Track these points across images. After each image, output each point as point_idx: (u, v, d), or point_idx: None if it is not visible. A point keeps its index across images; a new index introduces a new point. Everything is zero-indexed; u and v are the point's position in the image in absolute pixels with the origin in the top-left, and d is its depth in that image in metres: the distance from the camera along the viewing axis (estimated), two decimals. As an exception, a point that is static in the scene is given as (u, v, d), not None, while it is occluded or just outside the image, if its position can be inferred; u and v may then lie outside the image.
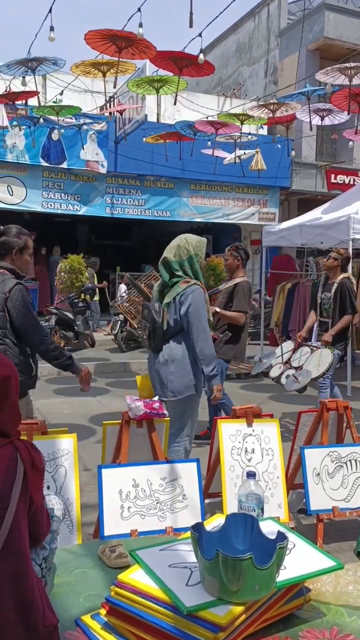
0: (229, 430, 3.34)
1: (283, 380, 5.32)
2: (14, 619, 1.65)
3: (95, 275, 12.76)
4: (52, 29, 4.78)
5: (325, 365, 5.17)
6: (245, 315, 5.31)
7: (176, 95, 5.63)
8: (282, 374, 5.38)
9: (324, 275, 6.19)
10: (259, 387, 8.20)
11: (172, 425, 3.67)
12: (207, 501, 3.49)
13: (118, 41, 4.94)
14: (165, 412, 3.31)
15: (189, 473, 3.11)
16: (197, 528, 1.74)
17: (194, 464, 3.17)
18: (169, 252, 3.91)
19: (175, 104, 5.68)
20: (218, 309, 5.22)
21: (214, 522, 2.05)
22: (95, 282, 12.53)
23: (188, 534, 1.86)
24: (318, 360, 5.26)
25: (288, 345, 5.77)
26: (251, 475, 2.21)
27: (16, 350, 3.45)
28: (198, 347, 3.68)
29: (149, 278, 5.16)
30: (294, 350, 5.59)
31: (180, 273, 3.83)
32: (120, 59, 5.23)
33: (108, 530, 2.83)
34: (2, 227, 3.61)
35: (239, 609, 1.62)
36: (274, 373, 5.50)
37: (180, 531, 2.85)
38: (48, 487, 2.90)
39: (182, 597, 1.62)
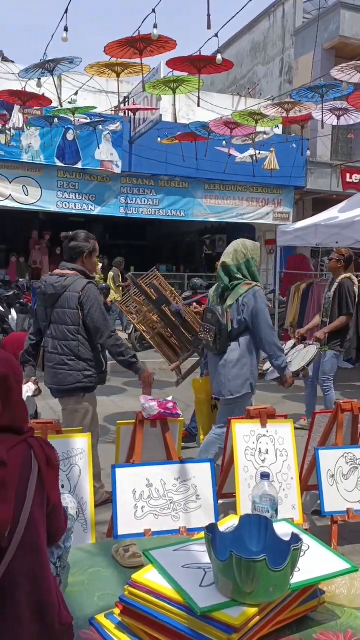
0: (242, 431, 3.33)
1: (268, 370, 5.31)
2: (30, 616, 1.66)
3: (120, 274, 12.79)
4: (66, 29, 4.81)
5: (307, 360, 5.20)
6: None
7: (199, 96, 5.63)
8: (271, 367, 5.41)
9: (332, 275, 6.25)
10: (273, 387, 8.17)
11: (219, 420, 4.05)
12: (220, 502, 3.48)
13: (137, 44, 4.98)
14: (179, 412, 3.31)
15: (202, 473, 3.11)
16: (211, 529, 1.74)
17: (208, 464, 3.17)
18: (227, 257, 4.06)
19: (199, 105, 5.69)
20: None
21: (228, 523, 2.05)
22: (120, 281, 12.56)
23: (202, 534, 1.85)
24: (304, 355, 5.32)
25: (289, 343, 5.83)
26: (265, 476, 2.20)
27: (88, 346, 3.73)
28: (268, 343, 3.91)
29: (150, 278, 5.12)
30: (292, 348, 5.65)
31: (239, 276, 4.00)
32: (142, 59, 5.27)
33: (122, 530, 2.83)
34: (70, 233, 3.88)
35: (253, 610, 1.61)
36: (265, 366, 5.46)
37: (193, 531, 2.85)
38: (62, 486, 2.92)
39: (196, 597, 1.62)
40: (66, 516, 1.96)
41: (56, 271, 3.85)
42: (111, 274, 12.82)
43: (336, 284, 5.91)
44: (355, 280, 6.10)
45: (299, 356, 5.36)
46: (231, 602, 1.62)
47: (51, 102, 6.92)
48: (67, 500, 2.10)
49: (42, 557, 1.71)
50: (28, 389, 3.80)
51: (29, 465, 1.70)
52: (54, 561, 1.94)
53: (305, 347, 5.51)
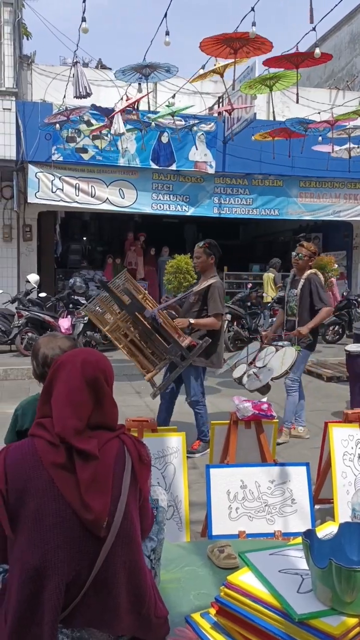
0: (340, 435, 3.23)
1: (245, 379, 4.95)
2: (128, 607, 1.71)
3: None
4: (167, 33, 4.88)
5: (289, 364, 4.81)
6: (222, 317, 5.04)
7: (297, 93, 5.53)
8: (244, 373, 5.01)
9: (292, 272, 5.85)
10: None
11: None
12: (317, 507, 3.40)
13: (232, 42, 4.96)
14: (274, 413, 3.27)
15: (298, 477, 3.05)
16: (309, 535, 1.70)
17: (304, 468, 3.10)
18: None
19: (297, 101, 5.55)
20: (192, 321, 4.89)
21: (326, 530, 1.99)
22: (279, 283, 12.66)
23: (298, 539, 1.82)
24: (282, 358, 4.91)
25: (254, 345, 5.41)
26: (365, 483, 2.12)
27: None
28: None
29: (123, 281, 4.68)
30: (259, 350, 5.22)
31: None
32: (236, 60, 5.24)
33: (216, 530, 2.84)
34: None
35: (353, 620, 1.56)
36: (236, 373, 5.12)
37: (289, 536, 2.81)
38: (158, 483, 2.97)
39: (294, 603, 1.59)
40: (153, 513, 1.99)
41: None
42: (271, 275, 13.00)
43: (303, 281, 5.55)
44: (321, 275, 5.77)
45: (276, 359, 4.93)
46: (330, 610, 1.58)
47: (149, 93, 7.02)
48: (158, 492, 2.13)
49: (138, 549, 1.75)
50: None
51: (123, 460, 1.75)
52: (147, 554, 1.98)
53: (277, 349, 5.07)
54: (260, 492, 2.97)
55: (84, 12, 4.87)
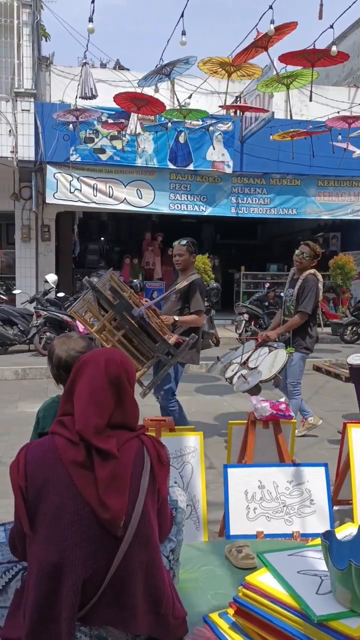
0: (359, 436, 3.21)
1: (235, 380, 4.85)
2: (146, 607, 1.71)
3: None
4: (183, 33, 4.89)
5: (278, 367, 4.68)
6: (203, 314, 4.98)
7: (311, 90, 5.49)
8: (235, 374, 4.91)
9: (292, 271, 5.73)
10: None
11: None
12: (335, 508, 3.37)
13: (260, 42, 4.98)
14: (292, 414, 3.25)
15: (316, 477, 3.03)
16: (328, 536, 1.69)
17: (322, 469, 3.08)
18: None
19: (310, 99, 5.52)
20: (177, 318, 4.81)
21: (345, 531, 1.98)
22: None
23: (317, 540, 1.81)
24: (273, 361, 4.79)
25: (249, 344, 5.30)
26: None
27: None
28: None
29: (107, 279, 4.59)
30: (254, 350, 5.12)
31: None
32: (268, 51, 5.27)
33: (234, 530, 2.83)
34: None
35: (373, 623, 1.54)
36: (228, 373, 5.04)
37: (307, 537, 2.79)
38: (175, 483, 2.97)
39: (312, 605, 1.58)
40: (172, 515, 1.99)
41: None
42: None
43: (301, 281, 5.41)
44: (320, 276, 5.55)
45: (266, 362, 4.83)
46: (349, 612, 1.57)
47: (165, 107, 7.05)
48: (177, 493, 2.13)
49: (155, 549, 1.75)
50: None
51: (142, 460, 1.75)
52: (166, 554, 1.98)
53: (270, 350, 4.97)
54: (279, 493, 2.95)
55: (92, 13, 4.90)
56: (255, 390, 4.62)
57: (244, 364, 4.98)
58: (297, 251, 5.60)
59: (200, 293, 4.92)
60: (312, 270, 5.53)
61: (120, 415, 1.77)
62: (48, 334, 9.92)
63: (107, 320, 4.24)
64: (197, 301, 4.89)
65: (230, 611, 1.78)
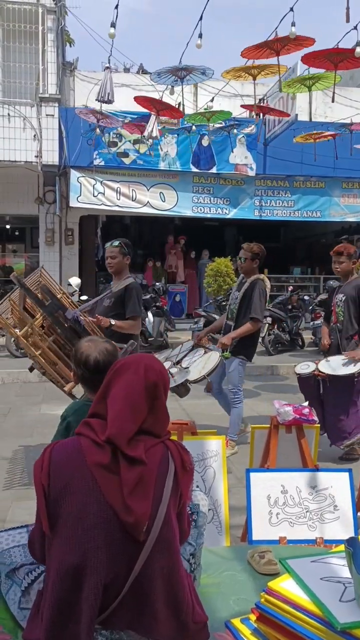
0: (384, 441, 3.16)
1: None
2: (166, 612, 1.70)
3: None
4: (200, 36, 4.90)
5: (208, 369, 4.51)
6: (140, 319, 4.69)
7: (334, 91, 5.47)
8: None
9: (241, 275, 5.49)
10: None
11: None
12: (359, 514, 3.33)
13: (274, 44, 4.96)
14: (315, 418, 3.22)
15: (340, 483, 2.99)
16: (352, 543, 1.66)
17: (346, 474, 3.04)
18: None
19: (333, 101, 5.49)
20: (113, 322, 4.46)
21: (370, 538, 1.95)
22: None
23: (341, 547, 1.78)
24: (205, 362, 4.65)
25: (187, 344, 5.15)
26: None
27: None
28: None
29: (37, 277, 4.32)
30: (190, 351, 4.95)
31: None
32: (279, 58, 5.25)
33: (256, 535, 2.81)
34: None
35: None
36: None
37: (330, 543, 2.76)
38: (197, 487, 2.96)
39: (336, 612, 1.56)
40: (190, 519, 1.98)
41: None
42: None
43: (247, 285, 5.21)
44: (268, 281, 5.37)
45: (199, 363, 4.69)
46: (373, 620, 1.54)
47: (183, 115, 7.06)
48: (199, 497, 2.12)
49: (176, 554, 1.75)
50: None
51: (166, 466, 1.75)
52: (187, 558, 1.97)
53: (205, 351, 4.82)
54: (302, 498, 2.92)
55: (115, 19, 4.94)
56: (182, 390, 4.48)
57: (178, 363, 4.84)
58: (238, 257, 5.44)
59: (137, 297, 4.62)
60: (261, 276, 5.37)
61: (151, 422, 1.78)
62: (71, 336, 9.97)
63: (36, 324, 3.83)
64: (135, 305, 4.59)
65: (252, 617, 1.77)
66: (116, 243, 4.74)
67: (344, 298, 5.13)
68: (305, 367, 5.07)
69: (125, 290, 4.62)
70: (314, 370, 4.90)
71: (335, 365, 4.80)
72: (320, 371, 4.82)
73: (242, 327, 5.07)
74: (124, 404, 1.74)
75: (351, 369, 4.66)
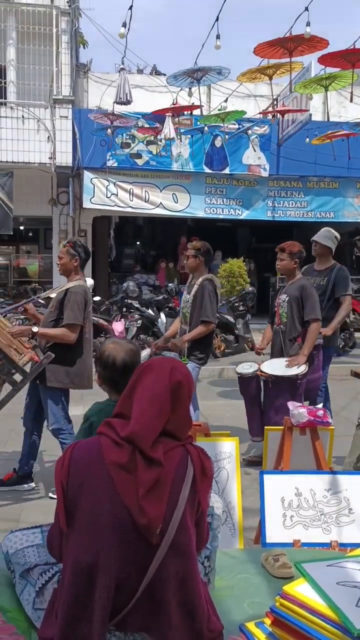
0: None
1: None
2: (179, 618, 1.68)
3: None
4: (218, 37, 4.89)
5: None
6: (77, 328, 4.08)
7: (352, 92, 5.43)
8: None
9: (190, 277, 5.25)
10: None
11: None
12: (374, 517, 3.29)
13: (287, 44, 4.94)
14: (330, 420, 3.19)
15: (355, 486, 2.96)
16: (369, 547, 1.64)
17: (361, 477, 3.01)
18: None
19: (351, 100, 5.44)
20: (36, 329, 4.08)
21: (386, 542, 1.93)
22: None
23: (357, 551, 1.76)
24: None
25: (145, 352, 5.03)
26: None
27: None
28: None
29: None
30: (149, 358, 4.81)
31: None
32: (292, 59, 5.23)
33: (270, 538, 2.79)
34: None
35: None
36: None
37: (345, 547, 2.73)
38: (212, 490, 2.95)
39: (353, 617, 1.54)
40: (209, 530, 1.97)
41: None
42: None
43: (196, 286, 4.98)
44: (217, 282, 5.19)
45: None
46: (391, 627, 1.52)
47: (202, 105, 7.06)
48: (213, 500, 2.10)
49: (192, 560, 1.73)
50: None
51: (184, 469, 1.74)
52: (201, 561, 1.96)
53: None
54: (316, 501, 2.90)
55: (129, 20, 4.97)
56: None
57: None
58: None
59: (77, 304, 4.11)
60: (209, 276, 5.15)
61: (173, 424, 1.77)
62: (85, 337, 9.98)
63: None
64: (73, 312, 4.08)
65: (267, 621, 1.75)
66: (65, 242, 4.42)
67: (287, 299, 4.96)
68: (248, 367, 4.92)
69: (64, 294, 4.17)
70: (256, 371, 4.76)
71: (277, 367, 4.70)
72: (262, 372, 4.70)
73: (195, 330, 4.86)
74: (150, 403, 1.74)
75: (294, 370, 4.56)
